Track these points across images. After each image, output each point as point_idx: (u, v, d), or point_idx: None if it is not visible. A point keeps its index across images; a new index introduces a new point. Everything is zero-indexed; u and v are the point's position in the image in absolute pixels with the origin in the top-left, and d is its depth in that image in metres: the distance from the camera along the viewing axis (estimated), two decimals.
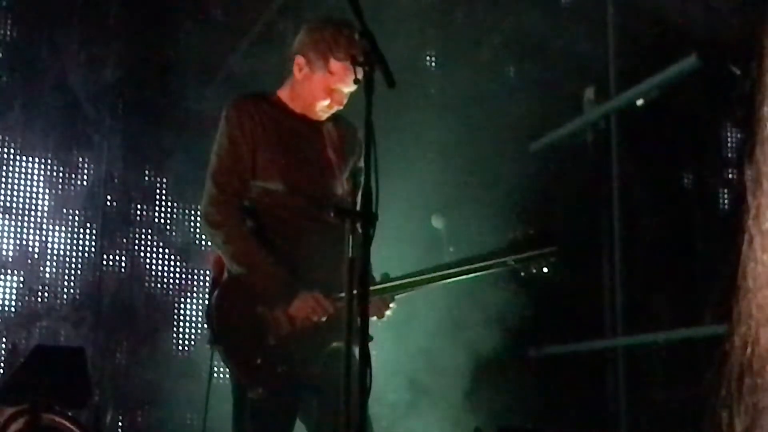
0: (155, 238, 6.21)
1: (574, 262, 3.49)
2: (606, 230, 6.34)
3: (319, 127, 3.79)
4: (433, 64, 7.22)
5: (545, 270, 3.44)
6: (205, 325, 3.70)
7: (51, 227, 6.01)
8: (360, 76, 2.95)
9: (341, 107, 3.75)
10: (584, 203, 6.59)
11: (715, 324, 5.63)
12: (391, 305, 3.67)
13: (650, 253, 6.94)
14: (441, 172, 6.32)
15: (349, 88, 3.68)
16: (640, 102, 5.91)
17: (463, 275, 3.54)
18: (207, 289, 6.02)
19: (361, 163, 2.92)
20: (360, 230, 2.91)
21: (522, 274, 3.47)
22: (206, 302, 3.70)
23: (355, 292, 2.80)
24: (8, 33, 6.34)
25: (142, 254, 6.18)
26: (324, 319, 3.56)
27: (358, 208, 2.93)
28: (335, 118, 3.83)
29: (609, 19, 6.19)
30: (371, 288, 3.47)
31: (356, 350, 2.85)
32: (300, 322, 3.56)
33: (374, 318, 3.64)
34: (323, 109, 3.75)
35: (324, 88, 3.69)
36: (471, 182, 6.42)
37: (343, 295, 2.95)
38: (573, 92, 6.39)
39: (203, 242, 6.31)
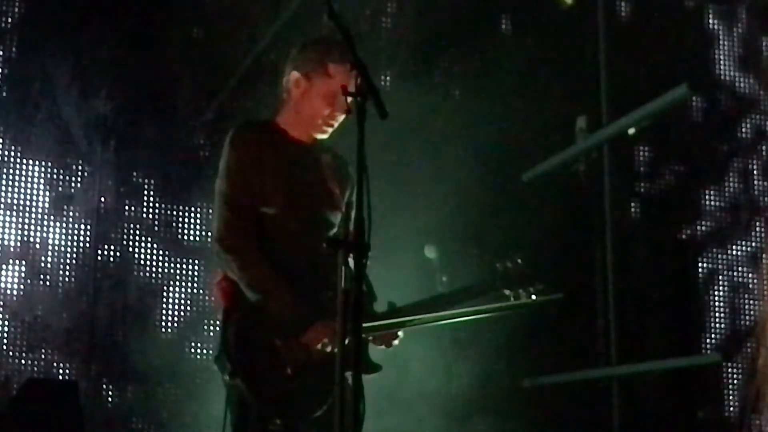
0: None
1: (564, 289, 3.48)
2: (599, 259, 6.33)
3: (318, 156, 3.77)
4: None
5: (534, 297, 3.46)
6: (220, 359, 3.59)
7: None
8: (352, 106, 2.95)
9: (343, 116, 3.69)
10: (577, 232, 6.58)
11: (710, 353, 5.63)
12: (399, 334, 3.66)
13: (644, 281, 6.94)
14: (434, 202, 6.32)
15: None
16: (632, 131, 5.91)
17: (470, 315, 3.55)
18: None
19: (353, 198, 2.91)
20: (353, 261, 2.90)
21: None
22: (219, 333, 3.62)
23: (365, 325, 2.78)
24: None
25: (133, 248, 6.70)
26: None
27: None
28: (330, 150, 3.82)
29: (601, 48, 6.20)
30: (378, 323, 3.53)
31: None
32: (316, 352, 3.52)
33: (382, 347, 3.67)
34: (325, 121, 3.72)
35: (325, 95, 3.68)
36: (464, 212, 6.41)
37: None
38: (565, 121, 6.39)
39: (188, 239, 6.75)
